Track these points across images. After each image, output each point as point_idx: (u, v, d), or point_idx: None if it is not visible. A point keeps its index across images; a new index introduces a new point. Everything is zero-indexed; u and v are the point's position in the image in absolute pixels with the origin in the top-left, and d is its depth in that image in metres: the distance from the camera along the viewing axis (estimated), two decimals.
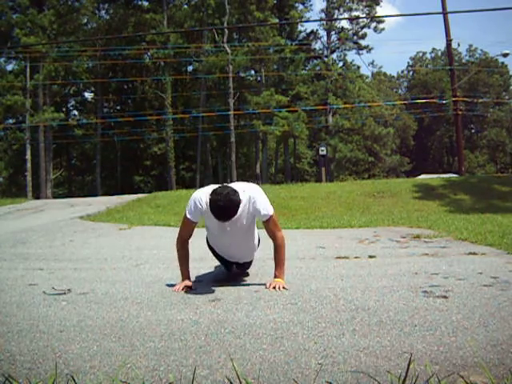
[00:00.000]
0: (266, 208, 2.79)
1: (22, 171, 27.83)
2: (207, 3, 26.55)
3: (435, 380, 1.45)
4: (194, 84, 31.47)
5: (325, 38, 32.14)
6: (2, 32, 26.36)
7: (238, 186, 2.78)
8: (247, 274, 3.33)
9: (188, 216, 2.81)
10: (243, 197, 2.70)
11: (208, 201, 2.64)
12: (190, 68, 33.09)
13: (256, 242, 3.10)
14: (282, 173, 34.59)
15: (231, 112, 25.70)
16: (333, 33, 31.91)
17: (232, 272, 3.35)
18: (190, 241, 2.94)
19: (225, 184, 2.76)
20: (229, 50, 25.91)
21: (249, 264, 3.27)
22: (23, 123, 26.94)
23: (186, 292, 2.78)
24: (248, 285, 2.97)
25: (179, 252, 2.92)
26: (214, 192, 2.60)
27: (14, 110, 26.57)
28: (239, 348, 1.83)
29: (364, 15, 31.75)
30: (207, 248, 3.23)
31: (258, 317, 2.24)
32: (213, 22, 27.93)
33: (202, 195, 2.77)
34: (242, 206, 2.65)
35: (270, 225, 2.81)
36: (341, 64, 33.43)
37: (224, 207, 2.54)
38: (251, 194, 2.76)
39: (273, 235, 2.84)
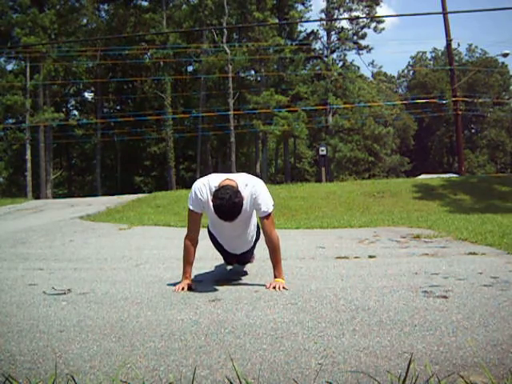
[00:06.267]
0: (267, 205, 2.79)
1: (22, 171, 27.84)
2: (205, 3, 26.54)
3: (435, 380, 1.44)
4: (194, 84, 31.45)
5: (325, 38, 32.18)
6: (2, 32, 26.34)
7: (240, 179, 2.78)
8: (246, 274, 3.34)
9: (191, 207, 2.83)
10: (245, 192, 2.71)
11: (208, 191, 2.73)
12: (189, 68, 33.15)
13: (254, 230, 3.10)
14: (282, 173, 34.57)
15: (231, 112, 25.70)
16: (333, 33, 31.91)
17: (232, 263, 3.36)
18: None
19: (225, 179, 2.74)
20: (228, 50, 25.91)
21: (248, 255, 3.25)
22: (23, 123, 26.94)
23: (186, 292, 2.78)
24: (248, 285, 2.97)
25: (186, 250, 2.88)
26: (216, 196, 2.59)
27: (13, 110, 26.58)
28: (239, 348, 1.83)
29: (364, 15, 31.75)
30: (206, 247, 3.22)
31: (257, 317, 2.24)
32: (211, 23, 27.93)
33: (202, 187, 2.79)
34: (244, 202, 2.66)
35: (267, 221, 2.81)
36: (341, 64, 33.43)
37: (228, 211, 2.58)
38: (253, 190, 2.76)
39: (269, 233, 2.82)
